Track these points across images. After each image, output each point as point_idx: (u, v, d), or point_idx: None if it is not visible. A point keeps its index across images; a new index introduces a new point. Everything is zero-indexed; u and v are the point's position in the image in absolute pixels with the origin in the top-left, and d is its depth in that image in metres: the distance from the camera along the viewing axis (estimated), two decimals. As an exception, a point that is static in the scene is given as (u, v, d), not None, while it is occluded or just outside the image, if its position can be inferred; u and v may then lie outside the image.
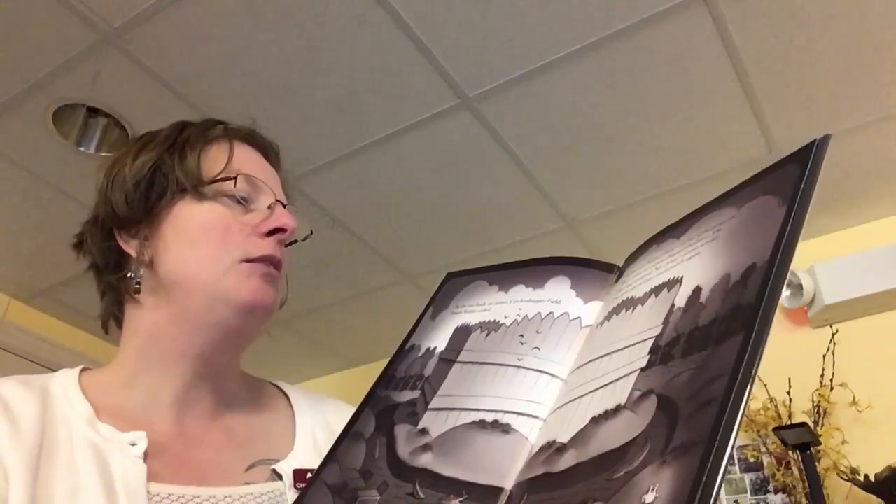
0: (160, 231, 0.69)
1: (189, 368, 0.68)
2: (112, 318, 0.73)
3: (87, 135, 2.02)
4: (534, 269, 0.57)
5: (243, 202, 0.70)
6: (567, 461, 0.39)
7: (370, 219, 2.35)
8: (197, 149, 0.71)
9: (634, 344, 0.43)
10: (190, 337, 0.68)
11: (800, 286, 2.23)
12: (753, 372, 0.35)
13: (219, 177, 0.69)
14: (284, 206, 0.72)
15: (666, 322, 0.43)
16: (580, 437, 0.40)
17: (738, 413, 0.34)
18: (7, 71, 1.80)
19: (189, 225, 0.68)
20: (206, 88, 1.85)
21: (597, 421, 0.40)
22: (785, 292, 2.28)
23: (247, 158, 0.74)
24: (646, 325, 0.44)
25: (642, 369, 0.41)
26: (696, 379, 0.37)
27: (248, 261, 0.67)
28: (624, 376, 0.41)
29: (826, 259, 2.24)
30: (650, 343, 0.42)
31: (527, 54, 1.76)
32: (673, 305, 0.43)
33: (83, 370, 0.70)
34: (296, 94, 1.87)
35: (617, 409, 0.40)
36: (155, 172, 0.70)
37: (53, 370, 0.70)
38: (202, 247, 0.67)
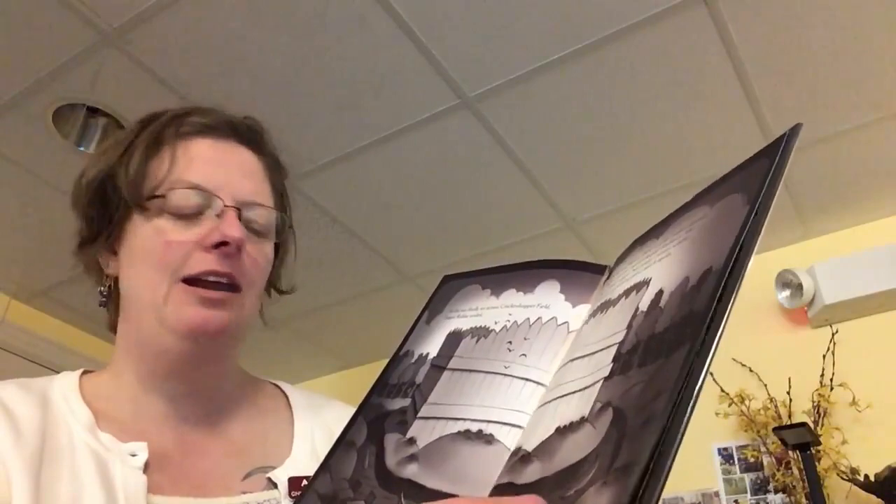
0: (121, 246, 0.67)
1: (168, 385, 0.67)
2: None
3: (87, 135, 2.02)
4: (525, 273, 0.56)
5: (186, 216, 0.64)
6: (532, 474, 0.38)
7: (370, 219, 2.35)
8: (141, 157, 0.66)
9: (601, 350, 0.41)
10: (150, 359, 0.66)
11: (800, 286, 2.22)
12: (698, 387, 0.32)
13: (156, 193, 0.64)
14: (240, 209, 0.65)
15: (629, 326, 0.41)
16: (544, 448, 0.38)
17: (677, 433, 0.31)
18: (7, 71, 1.80)
19: (135, 245, 0.65)
20: (206, 88, 1.84)
21: (562, 432, 0.38)
22: (785, 292, 2.28)
23: (200, 159, 0.67)
24: (612, 328, 0.42)
25: (605, 378, 0.39)
26: (646, 392, 0.34)
27: (189, 279, 0.62)
28: (590, 385, 0.40)
29: (826, 259, 2.23)
30: (614, 350, 0.40)
31: (527, 54, 1.76)
32: (637, 309, 0.41)
33: (84, 373, 0.69)
34: (296, 94, 1.87)
35: (581, 422, 0.38)
36: (106, 186, 0.67)
37: (53, 370, 0.70)
38: (145, 269, 0.64)
